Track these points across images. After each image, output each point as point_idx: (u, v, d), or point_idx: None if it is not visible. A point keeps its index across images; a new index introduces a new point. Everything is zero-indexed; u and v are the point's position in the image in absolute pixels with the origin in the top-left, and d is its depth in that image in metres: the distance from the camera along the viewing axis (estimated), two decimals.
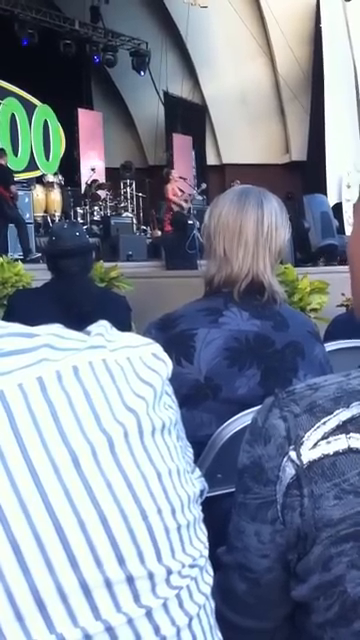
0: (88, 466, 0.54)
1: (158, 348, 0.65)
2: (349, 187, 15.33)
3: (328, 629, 0.76)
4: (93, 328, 0.63)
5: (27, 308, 2.75)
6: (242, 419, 1.50)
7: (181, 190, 12.82)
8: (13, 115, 14.16)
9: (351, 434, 0.74)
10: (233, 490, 0.86)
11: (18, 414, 0.53)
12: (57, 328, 0.60)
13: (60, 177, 13.85)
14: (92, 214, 13.45)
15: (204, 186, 13.77)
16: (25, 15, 14.00)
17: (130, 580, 0.55)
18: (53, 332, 0.59)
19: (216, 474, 1.47)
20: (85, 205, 13.60)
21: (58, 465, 0.53)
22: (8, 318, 2.74)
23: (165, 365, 0.64)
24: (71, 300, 2.72)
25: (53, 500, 0.52)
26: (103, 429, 0.56)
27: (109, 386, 0.58)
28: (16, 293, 3.42)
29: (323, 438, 0.75)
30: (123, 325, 2.82)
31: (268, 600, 0.84)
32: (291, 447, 0.76)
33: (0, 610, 0.50)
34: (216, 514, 0.89)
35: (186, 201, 12.52)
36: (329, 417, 0.75)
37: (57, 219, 12.58)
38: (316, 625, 0.78)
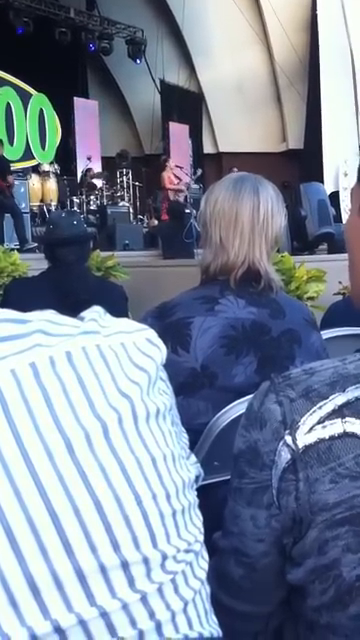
0: (82, 452, 0.54)
1: (152, 333, 0.64)
2: (346, 175, 15.29)
3: (324, 613, 0.77)
4: (86, 314, 0.63)
5: (23, 297, 2.76)
6: (238, 407, 1.50)
7: (178, 178, 12.78)
8: (8, 104, 14.08)
9: (347, 418, 0.74)
10: (229, 477, 0.86)
11: (11, 400, 0.53)
12: (50, 314, 0.60)
13: (56, 166, 13.79)
14: (88, 203, 13.41)
15: (200, 172, 13.71)
16: (20, 3, 13.90)
17: (125, 565, 0.55)
18: (46, 318, 0.59)
19: (212, 462, 1.47)
20: (81, 194, 13.55)
21: (52, 451, 0.53)
22: (4, 306, 2.72)
23: (159, 351, 0.64)
24: (68, 289, 2.72)
25: (47, 486, 0.52)
26: (97, 415, 0.56)
27: (103, 371, 0.58)
28: (12, 282, 3.42)
29: (319, 422, 0.75)
30: (120, 314, 2.81)
31: (264, 584, 0.84)
32: (287, 431, 0.76)
33: None
34: (213, 501, 0.89)
35: (182, 190, 12.48)
36: (325, 401, 0.76)
37: (53, 208, 12.54)
38: (312, 609, 0.78)
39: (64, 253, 2.86)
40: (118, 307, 2.86)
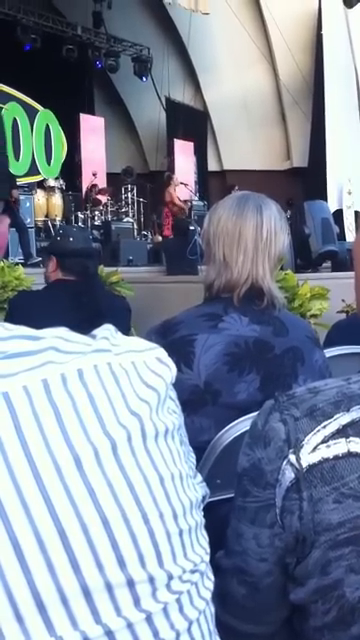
0: (91, 469, 0.54)
1: (162, 353, 0.65)
2: (350, 194, 15.34)
3: (326, 633, 0.76)
4: (98, 332, 0.63)
5: (32, 309, 2.74)
6: (241, 424, 1.50)
7: (180, 201, 12.82)
8: (15, 120, 14.16)
9: (351, 438, 0.74)
10: (232, 496, 0.86)
11: (22, 416, 0.53)
12: (63, 331, 0.61)
13: (61, 182, 13.84)
14: (93, 219, 13.44)
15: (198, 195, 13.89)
16: (28, 20, 14.02)
17: (131, 584, 0.55)
18: (59, 335, 0.59)
19: (215, 479, 1.46)
20: (86, 210, 13.59)
21: (61, 468, 0.53)
22: (13, 319, 2.74)
23: (169, 370, 0.64)
24: (93, 300, 2.73)
25: (56, 502, 0.52)
26: (107, 432, 0.56)
27: (113, 390, 0.58)
28: (18, 295, 3.40)
29: (323, 442, 0.75)
30: (124, 326, 2.84)
31: (267, 604, 0.84)
32: (291, 450, 0.76)
33: (0, 611, 0.50)
34: (214, 519, 0.89)
35: (183, 209, 12.51)
36: (329, 421, 0.76)
37: (58, 224, 12.58)
38: (314, 629, 0.78)
39: (87, 265, 2.89)
40: (121, 319, 2.87)
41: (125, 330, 2.87)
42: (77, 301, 2.70)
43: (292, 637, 0.86)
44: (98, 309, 2.66)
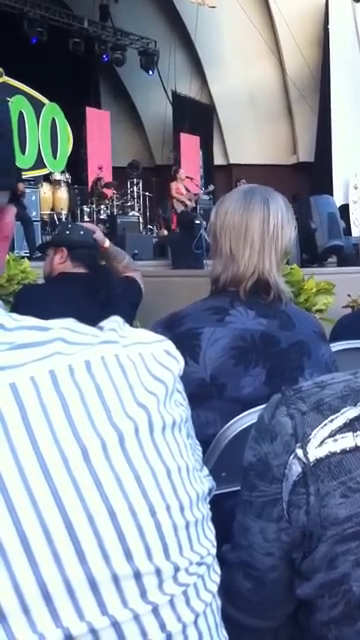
0: (98, 460, 0.54)
1: (170, 345, 0.65)
2: (356, 188, 15.31)
3: (332, 627, 0.76)
4: (106, 323, 0.63)
5: (39, 302, 2.74)
6: (247, 418, 1.49)
7: (187, 189, 12.82)
8: (21, 113, 14.16)
9: (358, 432, 0.74)
10: (237, 489, 0.86)
11: (30, 407, 0.53)
12: (70, 322, 0.60)
13: (67, 175, 13.85)
14: (99, 212, 13.45)
15: (211, 187, 13.77)
16: (34, 13, 14.01)
17: (137, 576, 0.55)
18: (66, 326, 0.59)
19: (220, 473, 1.46)
20: (92, 204, 13.60)
21: (68, 459, 0.53)
22: (20, 311, 2.75)
23: (177, 362, 0.64)
24: (104, 289, 2.77)
25: (62, 494, 0.52)
26: (114, 424, 0.56)
27: (121, 381, 0.58)
28: (24, 288, 3.38)
29: (330, 436, 0.74)
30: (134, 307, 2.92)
31: (272, 598, 0.84)
32: (298, 445, 0.76)
33: (7, 602, 0.50)
34: (220, 513, 0.89)
35: (190, 200, 12.51)
36: (336, 415, 0.75)
37: (64, 217, 12.60)
38: (320, 623, 0.77)
39: (97, 256, 2.97)
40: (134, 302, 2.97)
41: (132, 317, 2.93)
42: (94, 292, 2.70)
43: (297, 632, 0.85)
44: (113, 298, 2.69)
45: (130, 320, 2.82)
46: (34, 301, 2.79)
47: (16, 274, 4.75)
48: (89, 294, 2.68)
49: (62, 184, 13.31)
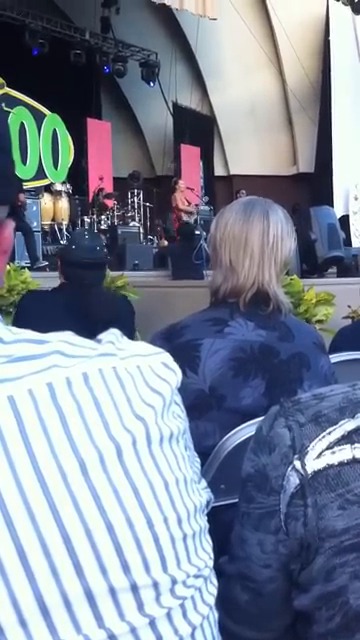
0: (96, 473, 0.54)
1: (168, 357, 0.65)
2: (357, 199, 15.33)
3: (330, 639, 0.76)
4: (104, 336, 0.64)
5: (38, 310, 2.76)
6: (246, 429, 1.49)
7: (187, 201, 12.85)
8: (22, 124, 14.21)
9: (356, 444, 0.74)
10: (236, 501, 0.86)
11: (27, 419, 0.54)
12: (68, 335, 0.61)
13: (68, 186, 13.88)
14: (99, 223, 13.47)
15: (206, 199, 13.89)
16: (36, 25, 14.06)
17: (135, 589, 0.54)
18: (64, 339, 0.59)
19: (219, 485, 1.46)
20: (92, 214, 13.62)
21: (66, 472, 0.53)
22: (18, 319, 2.77)
23: (175, 374, 0.64)
24: (85, 310, 2.73)
25: (60, 507, 0.52)
26: (112, 436, 0.56)
27: (118, 394, 0.58)
28: (27, 294, 3.40)
29: (328, 448, 0.75)
30: (127, 328, 2.85)
31: (270, 610, 0.83)
32: (296, 456, 0.76)
33: (4, 615, 0.50)
34: (218, 525, 0.89)
35: (192, 213, 12.54)
36: (334, 427, 0.75)
37: (64, 228, 12.63)
38: (318, 635, 0.77)
39: (83, 275, 2.86)
40: (124, 321, 2.88)
41: (130, 333, 2.87)
42: (73, 309, 2.70)
43: None
44: (94, 317, 2.65)
45: (130, 334, 2.81)
46: (36, 308, 2.83)
47: (17, 284, 4.77)
48: (69, 309, 2.68)
49: (63, 194, 13.33)
